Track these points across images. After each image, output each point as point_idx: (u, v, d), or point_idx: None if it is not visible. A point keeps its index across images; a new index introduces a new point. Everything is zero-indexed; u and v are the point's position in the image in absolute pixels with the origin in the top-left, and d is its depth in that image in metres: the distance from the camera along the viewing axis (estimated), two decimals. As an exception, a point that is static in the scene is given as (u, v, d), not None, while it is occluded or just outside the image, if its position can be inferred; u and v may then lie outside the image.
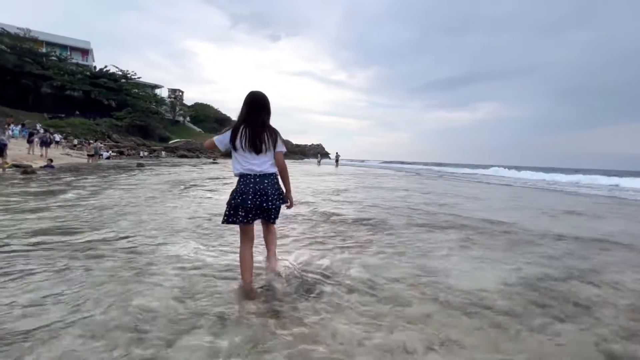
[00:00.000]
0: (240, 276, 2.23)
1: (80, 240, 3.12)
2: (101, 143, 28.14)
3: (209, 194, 6.70)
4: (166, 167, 17.42)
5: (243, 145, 2.07)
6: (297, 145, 72.23)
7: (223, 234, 3.49)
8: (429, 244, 3.53)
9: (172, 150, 43.92)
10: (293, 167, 18.45)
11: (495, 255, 3.16)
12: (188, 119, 67.87)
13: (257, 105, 2.13)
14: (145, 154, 36.43)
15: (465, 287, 2.34)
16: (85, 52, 56.22)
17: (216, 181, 9.99)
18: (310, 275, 2.46)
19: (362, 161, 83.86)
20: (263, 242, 2.55)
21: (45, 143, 17.30)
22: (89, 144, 24.28)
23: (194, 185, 8.56)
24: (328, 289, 2.23)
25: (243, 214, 2.08)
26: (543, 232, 4.34)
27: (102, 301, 1.89)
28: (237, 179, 2.14)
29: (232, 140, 2.08)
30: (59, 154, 22.18)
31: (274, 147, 2.15)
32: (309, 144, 78.40)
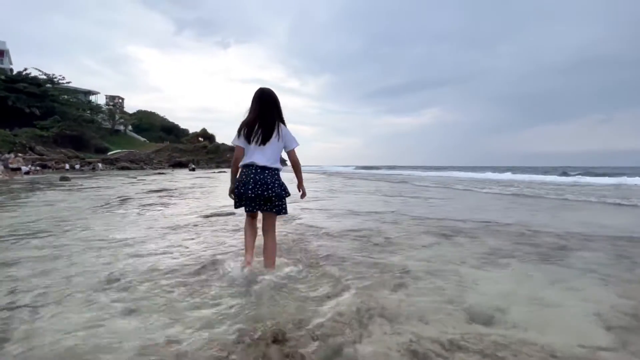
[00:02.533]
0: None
1: None
2: (16, 156, 23.91)
3: (151, 210, 5.33)
4: (100, 180, 14.99)
5: (256, 140, 2.16)
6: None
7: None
8: (446, 263, 2.74)
9: (112, 162, 39.38)
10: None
11: (546, 275, 2.47)
12: (130, 127, 62.04)
13: (268, 101, 2.24)
14: (77, 166, 32.03)
15: (557, 344, 1.52)
16: (0, 53, 48.74)
17: (162, 194, 8.43)
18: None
19: (319, 166, 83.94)
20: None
21: None
22: (14, 157, 20.46)
23: (128, 199, 7.01)
24: None
25: (248, 202, 2.19)
26: (552, 231, 3.84)
27: None
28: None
29: (247, 136, 2.18)
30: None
31: (284, 142, 2.24)
32: (266, 151, 76.26)
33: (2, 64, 47.48)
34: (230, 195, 2.34)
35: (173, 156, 50.27)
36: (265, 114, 2.20)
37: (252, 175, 2.14)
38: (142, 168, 39.60)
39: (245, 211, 2.26)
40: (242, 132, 2.21)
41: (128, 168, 37.28)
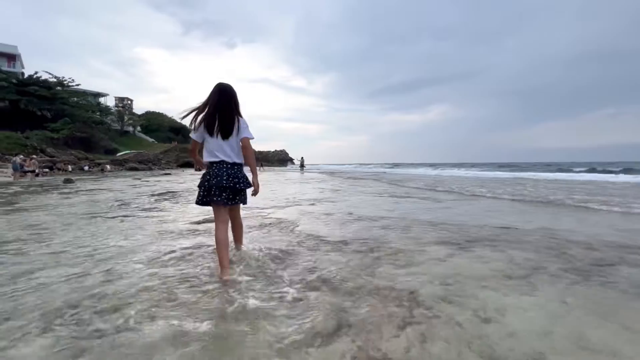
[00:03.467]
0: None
1: None
2: (22, 157, 24.20)
3: (138, 217, 5.03)
4: (104, 182, 14.91)
5: (217, 131, 2.24)
6: (260, 152, 69.80)
7: None
8: (464, 285, 2.33)
9: (121, 163, 39.67)
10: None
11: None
12: (139, 129, 62.64)
13: (226, 94, 2.30)
14: (86, 168, 32.33)
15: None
16: (12, 57, 49.67)
17: (157, 197, 8.16)
18: None
19: (319, 165, 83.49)
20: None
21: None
22: (30, 159, 20.70)
23: (121, 204, 6.74)
24: None
25: (218, 192, 2.25)
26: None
27: None
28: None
29: (206, 127, 2.25)
30: (-31, 174, 18.43)
31: (241, 133, 2.30)
32: (272, 150, 76.29)
33: (14, 67, 48.37)
34: (200, 165, 2.45)
35: (181, 156, 50.46)
36: (225, 108, 2.27)
37: (224, 169, 2.27)
38: (150, 169, 39.79)
39: (215, 203, 2.29)
40: (200, 126, 2.28)
41: (136, 169, 37.48)
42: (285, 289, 2.10)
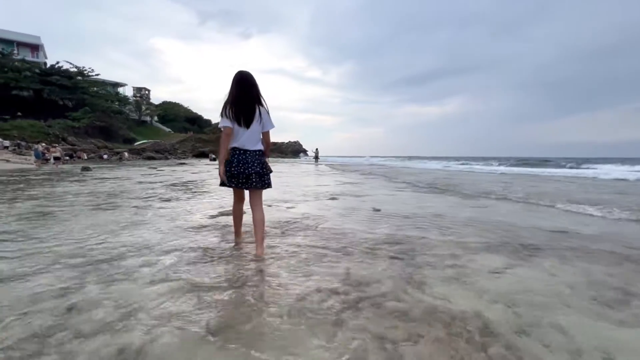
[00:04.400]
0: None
1: None
2: (44, 145, 24.74)
3: (145, 209, 4.72)
4: (120, 171, 14.92)
5: (240, 120, 2.35)
6: (274, 143, 69.64)
7: None
8: (542, 309, 1.83)
9: (138, 152, 40.31)
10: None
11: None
12: (156, 118, 63.55)
13: (246, 84, 2.37)
14: (105, 156, 32.95)
15: None
16: (35, 47, 50.87)
17: (170, 186, 7.90)
18: None
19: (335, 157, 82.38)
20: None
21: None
22: (53, 147, 21.27)
23: (126, 193, 6.48)
24: None
25: (244, 179, 2.42)
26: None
27: None
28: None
29: (231, 117, 2.34)
30: (-5, 160, 18.96)
31: (264, 123, 2.44)
32: (286, 141, 75.99)
33: (37, 58, 49.58)
34: (222, 175, 2.46)
35: (196, 146, 50.91)
36: (246, 96, 2.36)
37: (236, 155, 2.40)
38: (166, 158, 40.29)
39: (236, 187, 2.48)
40: (227, 114, 2.35)
41: (153, 158, 37.99)
42: (314, 307, 1.67)
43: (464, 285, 2.02)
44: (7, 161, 19.45)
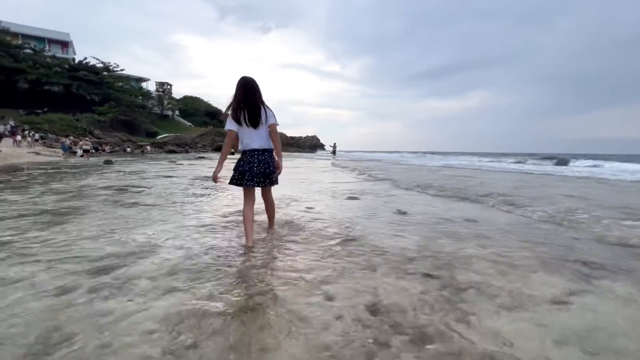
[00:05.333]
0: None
1: None
2: (72, 139, 25.68)
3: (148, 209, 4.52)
4: (141, 164, 15.13)
5: (246, 122, 2.48)
6: (292, 138, 69.58)
7: None
8: None
9: (160, 146, 41.29)
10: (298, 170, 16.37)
11: None
12: (177, 112, 64.92)
13: (250, 87, 2.50)
14: (128, 149, 33.92)
15: None
16: (65, 44, 52.96)
17: (187, 183, 7.75)
18: None
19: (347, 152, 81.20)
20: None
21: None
22: (80, 140, 22.19)
23: (141, 190, 6.36)
24: None
25: (249, 177, 2.54)
26: None
27: None
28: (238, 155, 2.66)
29: (237, 119, 2.48)
30: (25, 152, 19.79)
31: (268, 120, 2.56)
32: (303, 136, 75.75)
33: (67, 54, 51.63)
34: (215, 179, 2.61)
35: (215, 140, 51.59)
36: (250, 101, 2.48)
37: (256, 156, 2.54)
38: (186, 151, 41.05)
39: (246, 186, 2.57)
40: (233, 116, 2.47)
41: (174, 152, 38.79)
42: (336, 350, 1.33)
43: (522, 318, 1.62)
44: (37, 154, 20.24)
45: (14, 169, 9.12)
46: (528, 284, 2.02)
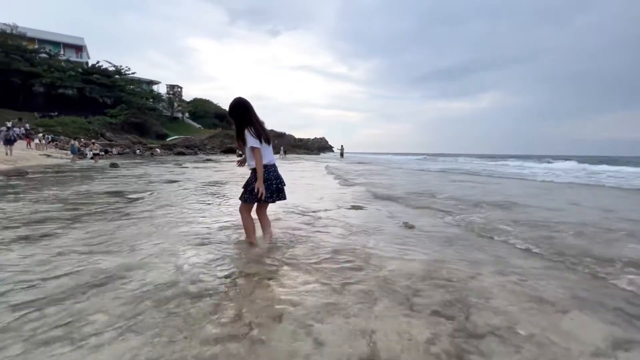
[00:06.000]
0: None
1: None
2: (83, 141, 26.04)
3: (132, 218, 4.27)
4: (147, 167, 15.10)
5: (268, 139, 2.68)
6: (300, 140, 69.51)
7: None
8: None
9: (169, 148, 41.67)
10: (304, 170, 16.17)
11: None
12: (187, 115, 65.64)
13: (250, 107, 2.67)
14: (138, 152, 34.29)
15: None
16: (79, 48, 54.16)
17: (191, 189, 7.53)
18: None
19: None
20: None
21: (8, 141, 15.06)
22: (92, 143, 22.56)
23: (135, 198, 6.14)
24: None
25: (272, 194, 2.69)
26: None
27: None
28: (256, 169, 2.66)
29: (260, 137, 2.60)
30: (37, 154, 20.10)
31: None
32: (312, 137, 75.60)
33: (81, 58, 52.76)
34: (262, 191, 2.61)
35: (225, 142, 51.84)
36: (258, 118, 2.71)
37: (272, 172, 2.72)
38: (195, 153, 41.30)
39: (272, 201, 2.76)
40: (259, 135, 2.61)
41: (183, 153, 39.06)
42: None
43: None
44: (48, 156, 20.53)
45: (17, 173, 9.09)
46: (559, 330, 1.66)
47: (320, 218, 4.23)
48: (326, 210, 4.84)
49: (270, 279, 2.21)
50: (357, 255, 2.74)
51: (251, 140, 2.54)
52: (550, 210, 5.05)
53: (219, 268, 2.38)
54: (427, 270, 2.44)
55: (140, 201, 5.29)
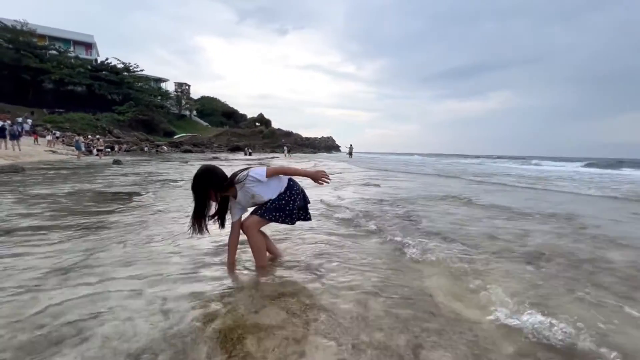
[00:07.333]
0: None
1: None
2: (90, 137, 25.87)
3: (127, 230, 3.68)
4: (149, 166, 14.67)
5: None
6: (307, 139, 69.00)
7: None
8: None
9: (176, 145, 41.48)
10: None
11: None
12: (194, 112, 65.60)
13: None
14: (145, 149, 34.13)
15: None
16: (89, 45, 54.40)
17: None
18: None
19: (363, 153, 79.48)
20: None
21: (13, 136, 14.77)
22: (97, 139, 22.50)
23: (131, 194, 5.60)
24: None
25: (296, 212, 2.34)
26: None
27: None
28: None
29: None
30: (42, 150, 19.89)
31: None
32: (319, 136, 75.01)
33: (90, 55, 52.98)
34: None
35: (231, 140, 51.62)
36: None
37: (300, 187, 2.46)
38: (202, 151, 41.06)
39: (293, 223, 2.36)
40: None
41: (190, 151, 38.83)
42: None
43: None
44: (54, 152, 20.30)
45: (13, 169, 8.66)
46: None
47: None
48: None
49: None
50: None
51: (251, 180, 2.16)
52: None
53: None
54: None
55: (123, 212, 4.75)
